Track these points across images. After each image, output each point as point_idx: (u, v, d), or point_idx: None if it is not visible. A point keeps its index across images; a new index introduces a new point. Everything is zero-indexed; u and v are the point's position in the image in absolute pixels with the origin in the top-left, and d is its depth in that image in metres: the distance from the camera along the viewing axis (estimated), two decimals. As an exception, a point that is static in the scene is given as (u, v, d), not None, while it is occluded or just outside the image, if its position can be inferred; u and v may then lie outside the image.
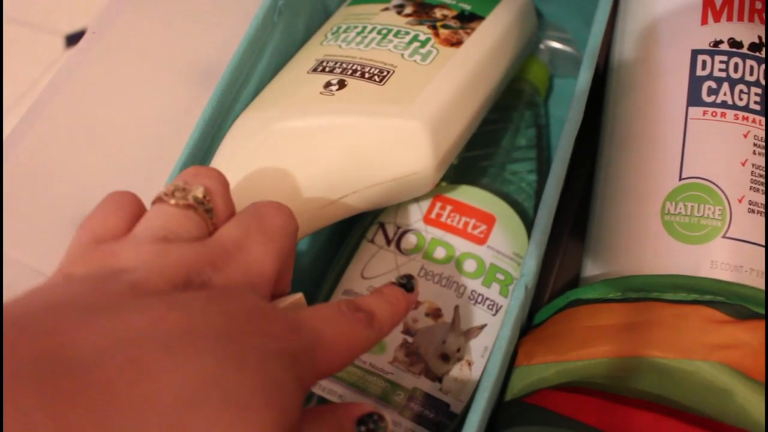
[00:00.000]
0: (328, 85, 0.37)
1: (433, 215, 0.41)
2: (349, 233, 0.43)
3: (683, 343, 0.29)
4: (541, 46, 0.49)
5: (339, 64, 0.38)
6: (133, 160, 0.49)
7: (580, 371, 0.31)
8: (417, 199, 0.41)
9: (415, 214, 0.41)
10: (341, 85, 0.36)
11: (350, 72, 0.37)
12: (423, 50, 0.38)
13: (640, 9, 0.39)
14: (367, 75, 0.37)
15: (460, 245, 0.39)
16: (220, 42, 0.46)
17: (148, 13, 0.50)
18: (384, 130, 0.35)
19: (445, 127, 0.36)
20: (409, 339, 0.38)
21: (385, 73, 0.37)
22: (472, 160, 0.42)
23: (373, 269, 0.40)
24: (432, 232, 0.40)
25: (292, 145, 0.35)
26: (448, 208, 0.41)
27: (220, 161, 0.36)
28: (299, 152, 0.35)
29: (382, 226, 0.41)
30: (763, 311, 0.30)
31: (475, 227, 0.40)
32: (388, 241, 0.41)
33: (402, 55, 0.38)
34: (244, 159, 0.36)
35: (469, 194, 0.41)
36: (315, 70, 0.38)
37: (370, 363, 0.37)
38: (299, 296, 0.28)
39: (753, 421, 0.27)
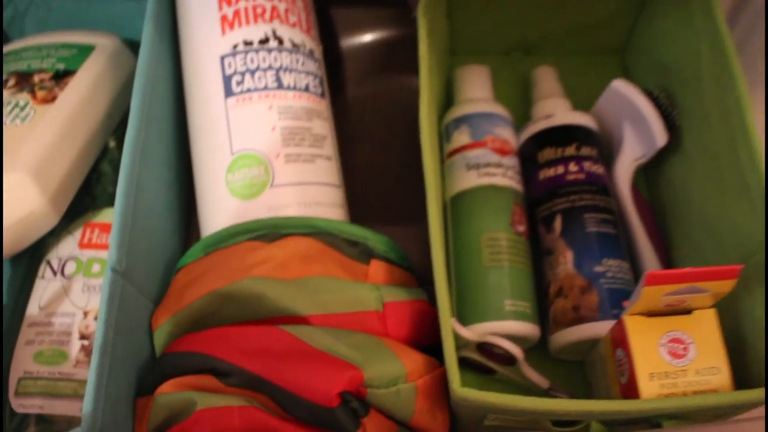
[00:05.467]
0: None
1: (86, 240, 0.49)
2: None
3: (234, 271, 0.40)
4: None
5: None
6: None
7: (186, 317, 0.41)
8: (71, 231, 0.50)
9: (72, 244, 0.49)
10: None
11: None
12: (23, 113, 0.46)
13: (184, 30, 0.49)
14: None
15: (109, 256, 0.48)
16: None
17: None
18: (-2, 187, 0.43)
19: (48, 169, 0.44)
20: (86, 342, 0.46)
21: (-8, 142, 0.45)
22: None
23: (46, 299, 0.48)
24: (87, 254, 0.49)
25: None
26: (97, 230, 0.49)
27: None
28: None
29: (48, 262, 0.49)
30: (292, 230, 0.41)
31: (118, 238, 0.49)
32: (55, 273, 0.49)
33: (5, 122, 0.46)
34: None
35: (109, 214, 0.50)
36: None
37: (58, 372, 0.45)
38: None
39: (280, 308, 0.38)
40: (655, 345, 0.38)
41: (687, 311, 0.39)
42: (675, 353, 0.38)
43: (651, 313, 0.39)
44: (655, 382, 0.38)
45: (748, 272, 0.39)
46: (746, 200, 0.41)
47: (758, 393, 0.36)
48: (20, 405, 0.45)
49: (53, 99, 0.47)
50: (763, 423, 0.42)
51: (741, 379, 0.39)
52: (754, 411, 0.40)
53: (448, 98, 0.56)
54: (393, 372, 0.36)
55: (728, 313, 0.40)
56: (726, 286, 0.37)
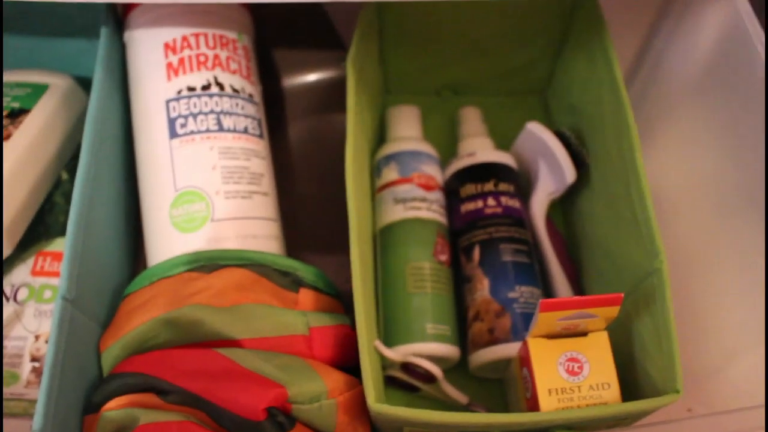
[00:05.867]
0: None
1: (38, 268, 0.52)
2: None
3: (175, 299, 0.44)
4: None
5: None
6: None
7: (131, 341, 0.44)
8: (24, 259, 0.53)
9: (24, 271, 0.53)
10: None
11: None
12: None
13: (133, 74, 0.53)
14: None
15: (60, 283, 0.51)
16: None
17: None
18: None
19: (2, 204, 0.47)
20: (37, 364, 0.49)
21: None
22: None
23: (-1, 324, 0.51)
24: (39, 281, 0.52)
25: None
26: (49, 259, 0.53)
27: None
28: None
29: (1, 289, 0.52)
30: (228, 262, 0.45)
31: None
32: (7, 298, 0.52)
33: (-39, 159, 0.49)
34: None
35: (61, 243, 0.53)
36: None
37: (10, 392, 0.49)
38: None
39: (216, 333, 0.42)
40: (554, 364, 0.43)
41: (583, 333, 0.44)
42: (571, 371, 0.43)
43: (551, 336, 0.44)
44: (554, 397, 0.42)
45: (637, 298, 0.44)
46: (636, 233, 0.46)
47: (644, 404, 0.41)
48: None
49: (8, 137, 0.51)
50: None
51: (629, 393, 0.44)
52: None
53: (382, 135, 0.61)
54: (315, 390, 0.40)
55: (621, 334, 0.45)
56: (611, 311, 0.42)
